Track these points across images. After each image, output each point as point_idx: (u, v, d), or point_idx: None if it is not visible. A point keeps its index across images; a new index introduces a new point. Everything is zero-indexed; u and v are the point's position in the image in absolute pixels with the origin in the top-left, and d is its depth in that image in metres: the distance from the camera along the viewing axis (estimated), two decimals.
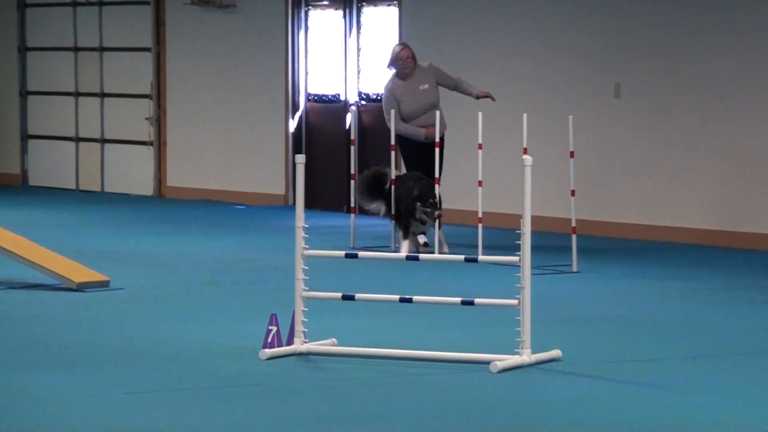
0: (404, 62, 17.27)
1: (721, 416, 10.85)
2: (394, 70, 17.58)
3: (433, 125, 17.89)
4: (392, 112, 17.89)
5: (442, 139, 18.01)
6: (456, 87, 18.25)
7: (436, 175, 18.42)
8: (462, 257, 13.96)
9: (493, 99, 17.63)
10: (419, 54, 21.62)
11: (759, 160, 18.10)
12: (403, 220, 17.41)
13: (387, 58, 17.78)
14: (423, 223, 17.83)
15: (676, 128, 17.96)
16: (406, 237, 18.06)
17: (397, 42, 18.65)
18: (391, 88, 17.25)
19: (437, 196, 17.91)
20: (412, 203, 17.28)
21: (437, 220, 17.72)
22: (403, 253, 16.60)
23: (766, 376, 12.17)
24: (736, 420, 10.58)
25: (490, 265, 14.12)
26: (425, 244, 17.69)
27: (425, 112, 17.37)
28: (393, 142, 18.31)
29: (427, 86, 17.13)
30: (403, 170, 18.66)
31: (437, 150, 18.06)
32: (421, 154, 17.80)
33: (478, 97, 17.58)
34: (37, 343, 13.77)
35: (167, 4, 25.78)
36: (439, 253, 17.65)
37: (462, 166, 18.34)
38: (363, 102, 22.94)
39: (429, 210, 17.05)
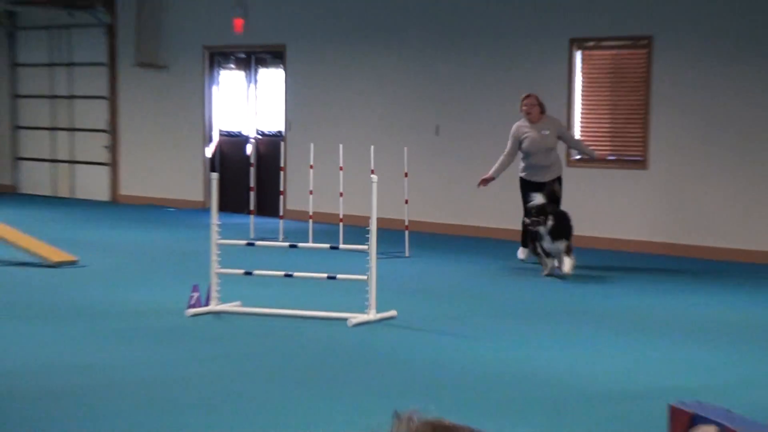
0: (528, 106, 16.04)
1: (512, 355, 11.33)
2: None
3: (546, 166, 16.32)
4: (510, 147, 16.50)
5: (559, 178, 16.53)
6: (575, 146, 17.01)
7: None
8: (328, 245, 14.11)
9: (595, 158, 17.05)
10: (294, 101, 21.37)
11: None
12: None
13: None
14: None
15: (479, 154, 17.72)
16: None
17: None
18: (518, 126, 16.00)
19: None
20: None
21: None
22: None
23: (543, 327, 12.60)
24: (523, 358, 11.16)
25: (348, 252, 14.22)
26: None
27: (542, 152, 16.05)
28: (487, 175, 16.72)
29: (547, 133, 15.89)
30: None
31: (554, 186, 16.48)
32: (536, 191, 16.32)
33: (595, 158, 16.87)
34: (22, 303, 14.04)
35: (119, 66, 25.73)
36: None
37: (327, 181, 18.28)
38: (259, 136, 23.02)
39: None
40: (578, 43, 19.52)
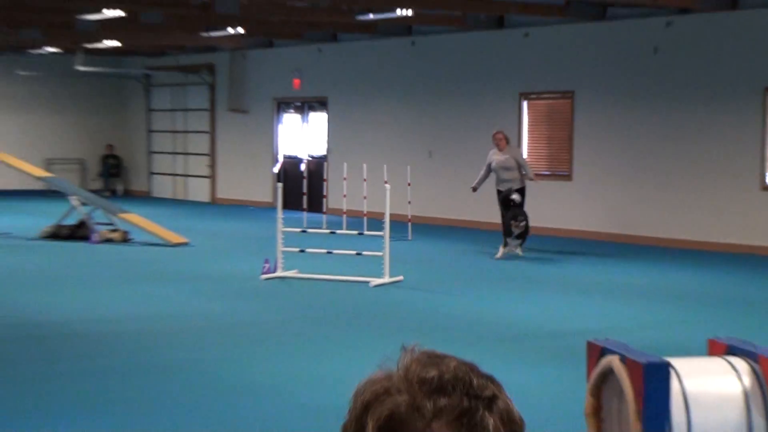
0: (496, 139, 15.51)
1: (484, 306, 11.20)
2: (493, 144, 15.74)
3: (508, 180, 15.42)
4: (485, 168, 15.70)
5: (521, 188, 15.56)
6: (523, 169, 15.60)
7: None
8: (356, 232, 14.16)
9: (533, 180, 15.90)
10: (341, 130, 21.31)
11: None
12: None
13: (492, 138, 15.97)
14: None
15: (459, 170, 17.29)
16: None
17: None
18: (490, 152, 15.44)
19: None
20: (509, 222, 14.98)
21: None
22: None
23: (505, 288, 12.39)
24: (490, 308, 10.90)
25: (370, 236, 14.10)
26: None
27: (504, 170, 15.42)
28: (474, 185, 15.95)
29: (508, 157, 15.26)
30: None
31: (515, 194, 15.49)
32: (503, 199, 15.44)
33: (532, 179, 15.76)
34: (151, 271, 13.98)
35: (217, 111, 25.78)
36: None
37: (355, 188, 18.13)
38: (309, 158, 22.93)
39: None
40: (524, 95, 19.33)
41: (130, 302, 11.23)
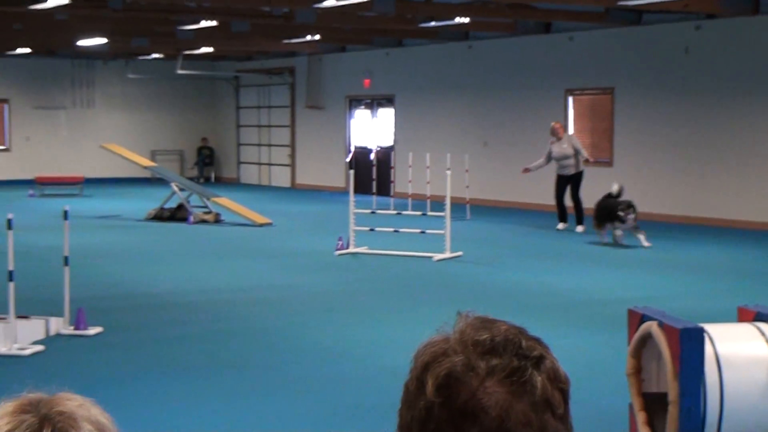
0: (553, 129, 15.24)
1: (535, 278, 11.09)
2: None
3: (566, 165, 15.16)
4: (545, 156, 15.38)
5: (579, 174, 15.30)
6: (579, 152, 15.18)
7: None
8: (420, 213, 14.14)
9: (589, 160, 15.70)
10: (406, 123, 21.28)
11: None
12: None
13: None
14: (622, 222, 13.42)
15: (511, 158, 17.25)
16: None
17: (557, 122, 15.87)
18: (550, 141, 15.24)
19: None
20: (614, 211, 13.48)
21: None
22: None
23: (555, 263, 12.23)
24: (541, 281, 10.78)
25: (433, 217, 14.05)
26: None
27: (561, 158, 15.23)
28: (529, 167, 15.68)
29: (565, 146, 15.25)
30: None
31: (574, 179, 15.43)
32: (565, 182, 15.38)
33: (588, 160, 15.51)
34: (241, 248, 14.07)
35: (296, 108, 25.88)
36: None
37: (419, 174, 18.08)
38: (378, 148, 22.85)
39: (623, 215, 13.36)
40: (569, 91, 19.18)
41: (223, 275, 11.29)
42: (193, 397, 6.34)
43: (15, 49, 24.44)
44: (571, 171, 15.47)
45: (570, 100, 19.25)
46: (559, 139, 15.42)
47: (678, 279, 11.09)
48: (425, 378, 1.23)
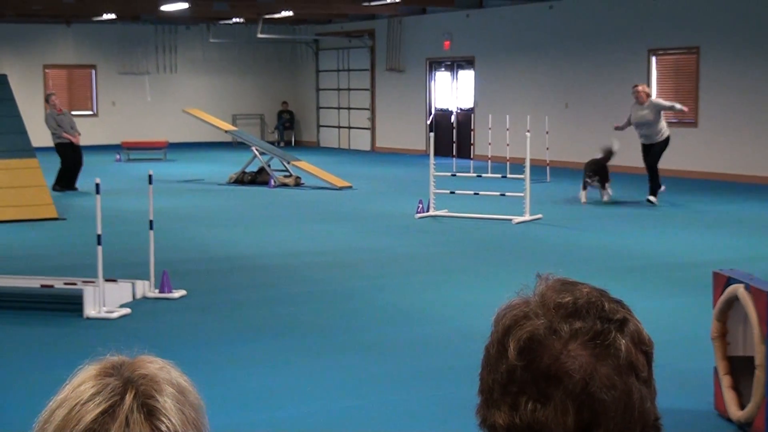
0: (635, 93, 13.94)
1: (614, 240, 10.90)
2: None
3: (646, 134, 13.95)
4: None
5: (659, 142, 14.00)
6: (669, 109, 14.07)
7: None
8: (500, 175, 14.05)
9: (685, 110, 14.55)
10: (486, 85, 21.11)
11: None
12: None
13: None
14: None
15: (592, 120, 16.93)
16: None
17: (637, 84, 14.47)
18: (631, 105, 14.35)
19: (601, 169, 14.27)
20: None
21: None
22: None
23: (635, 224, 12.01)
24: (621, 242, 10.62)
25: (512, 179, 13.90)
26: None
27: (642, 125, 14.40)
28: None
29: (646, 111, 14.06)
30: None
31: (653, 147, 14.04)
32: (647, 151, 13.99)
33: (684, 111, 14.33)
34: (321, 211, 13.97)
35: (377, 71, 25.89)
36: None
37: (499, 136, 17.87)
38: (458, 110, 22.68)
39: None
40: (653, 51, 18.82)
41: (303, 238, 11.37)
42: (274, 359, 6.41)
43: (101, 15, 24.83)
44: (650, 140, 14.12)
45: (653, 60, 18.91)
46: (640, 103, 14.50)
47: (764, 241, 10.87)
48: (507, 341, 1.21)
